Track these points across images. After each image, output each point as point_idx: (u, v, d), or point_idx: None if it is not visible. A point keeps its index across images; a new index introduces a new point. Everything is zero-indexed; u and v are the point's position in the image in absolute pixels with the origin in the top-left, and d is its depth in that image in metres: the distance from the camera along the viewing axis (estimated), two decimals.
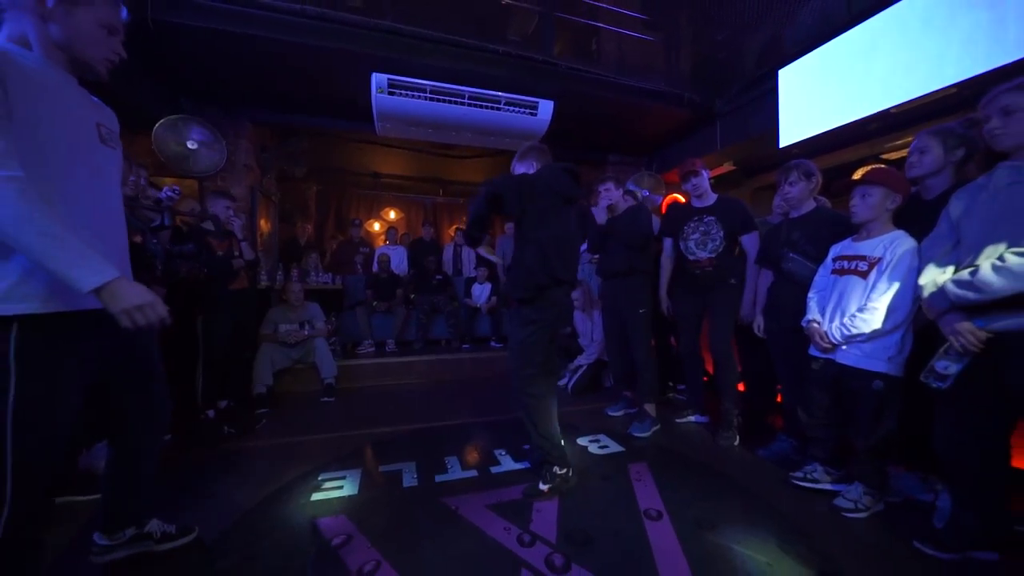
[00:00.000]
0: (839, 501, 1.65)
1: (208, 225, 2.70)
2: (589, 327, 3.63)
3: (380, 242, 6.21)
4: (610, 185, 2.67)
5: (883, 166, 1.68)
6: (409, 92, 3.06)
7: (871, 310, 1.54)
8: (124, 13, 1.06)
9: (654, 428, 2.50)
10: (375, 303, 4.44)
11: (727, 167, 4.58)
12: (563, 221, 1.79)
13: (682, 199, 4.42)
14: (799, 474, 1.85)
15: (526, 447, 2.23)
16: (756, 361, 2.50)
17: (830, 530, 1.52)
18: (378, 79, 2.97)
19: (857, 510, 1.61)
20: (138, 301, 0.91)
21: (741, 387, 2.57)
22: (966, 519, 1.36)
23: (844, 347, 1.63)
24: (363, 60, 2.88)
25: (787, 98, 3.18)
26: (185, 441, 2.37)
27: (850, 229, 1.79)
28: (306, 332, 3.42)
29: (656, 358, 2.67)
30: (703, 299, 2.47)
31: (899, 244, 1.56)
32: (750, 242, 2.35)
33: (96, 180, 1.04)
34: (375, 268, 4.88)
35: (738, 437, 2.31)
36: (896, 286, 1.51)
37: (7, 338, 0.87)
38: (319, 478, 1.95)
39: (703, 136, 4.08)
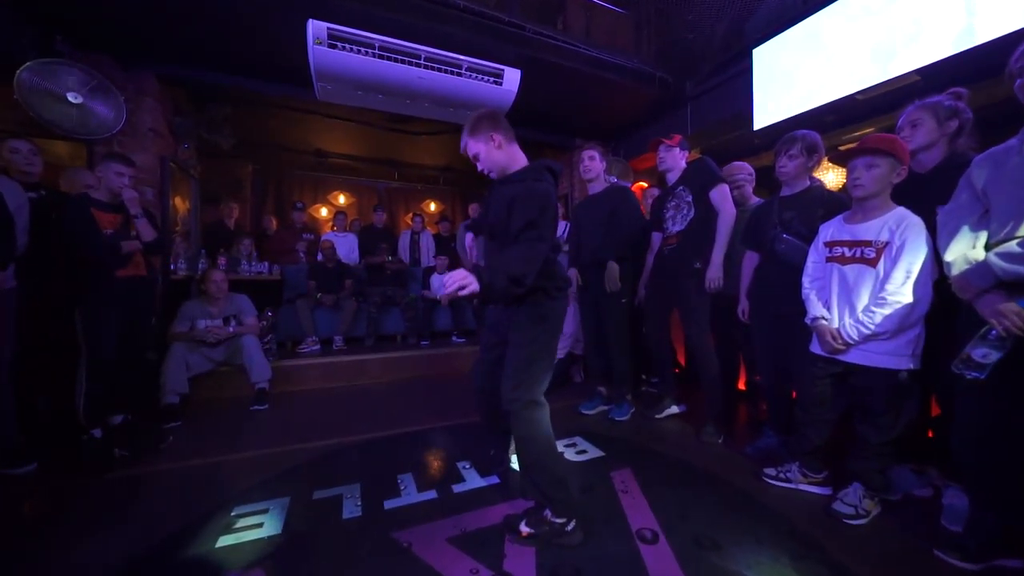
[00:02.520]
0: (837, 506, 1.49)
1: (101, 194, 2.13)
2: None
3: (327, 229, 5.62)
4: (595, 153, 2.45)
5: (886, 134, 1.53)
6: (354, 46, 2.61)
7: (891, 304, 1.36)
8: None
9: (631, 411, 2.45)
10: (319, 295, 3.94)
11: (694, 154, 4.50)
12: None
13: (646, 185, 4.32)
14: (772, 471, 1.72)
15: (492, 452, 1.93)
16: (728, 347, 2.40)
17: (838, 540, 1.35)
18: (316, 27, 2.49)
19: (858, 516, 1.45)
20: None
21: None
22: (988, 523, 1.22)
23: (859, 344, 1.44)
24: (297, 3, 2.40)
25: (761, 78, 3.07)
26: (56, 468, 1.84)
27: (841, 210, 1.64)
28: (231, 329, 2.89)
29: (632, 348, 2.53)
30: (669, 285, 2.31)
31: (908, 225, 1.39)
32: (718, 195, 2.12)
33: None
34: (320, 257, 4.35)
35: (723, 436, 2.14)
36: (915, 275, 1.35)
37: None
38: (232, 513, 1.53)
39: (673, 119, 3.94)
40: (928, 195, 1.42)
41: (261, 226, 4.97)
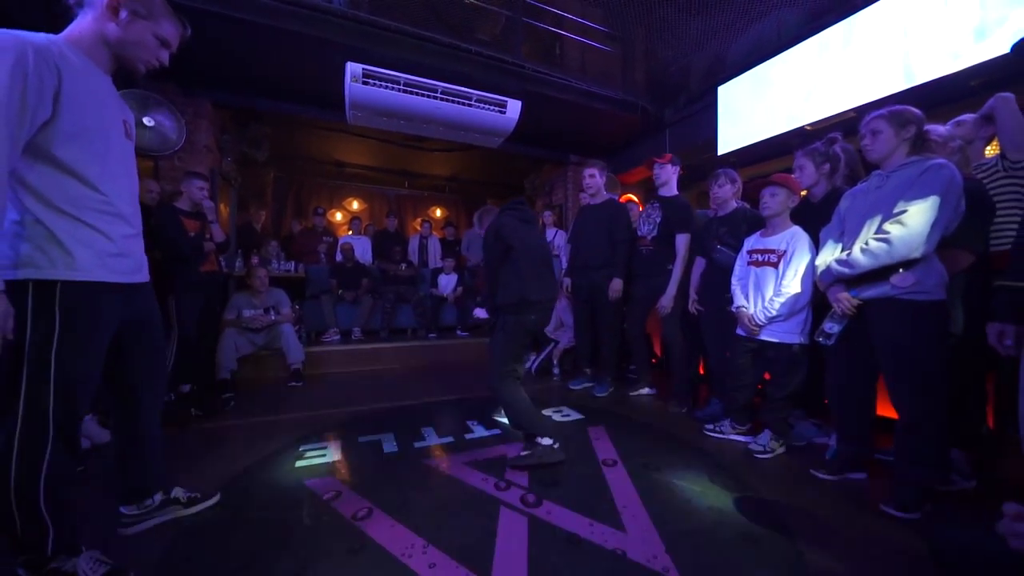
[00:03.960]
0: (752, 446, 2.01)
1: (183, 204, 2.64)
2: (554, 315, 3.89)
3: (342, 232, 6.13)
4: (595, 171, 2.91)
5: (783, 173, 2.07)
6: (383, 83, 3.15)
7: (784, 295, 1.91)
8: (188, 31, 1.23)
9: (610, 389, 2.95)
10: (341, 292, 4.44)
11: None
12: (533, 244, 1.96)
13: (634, 198, 4.86)
14: (710, 426, 2.24)
15: (497, 418, 2.45)
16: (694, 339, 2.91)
17: (747, 467, 1.87)
18: (353, 68, 3.03)
19: (765, 452, 1.97)
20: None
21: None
22: (845, 450, 1.75)
23: (766, 327, 1.98)
24: (339, 49, 2.93)
25: (725, 112, 3.62)
26: None
27: (761, 225, 2.19)
28: (271, 317, 3.39)
29: (619, 339, 3.04)
30: (649, 284, 2.77)
31: (797, 239, 1.96)
32: (679, 241, 2.63)
33: (123, 169, 1.16)
34: (339, 258, 4.86)
35: (687, 407, 2.63)
36: (800, 274, 1.90)
37: (51, 295, 1.02)
38: (300, 449, 2.04)
39: (654, 142, 4.49)
40: (817, 219, 1.95)
41: (286, 228, 5.47)
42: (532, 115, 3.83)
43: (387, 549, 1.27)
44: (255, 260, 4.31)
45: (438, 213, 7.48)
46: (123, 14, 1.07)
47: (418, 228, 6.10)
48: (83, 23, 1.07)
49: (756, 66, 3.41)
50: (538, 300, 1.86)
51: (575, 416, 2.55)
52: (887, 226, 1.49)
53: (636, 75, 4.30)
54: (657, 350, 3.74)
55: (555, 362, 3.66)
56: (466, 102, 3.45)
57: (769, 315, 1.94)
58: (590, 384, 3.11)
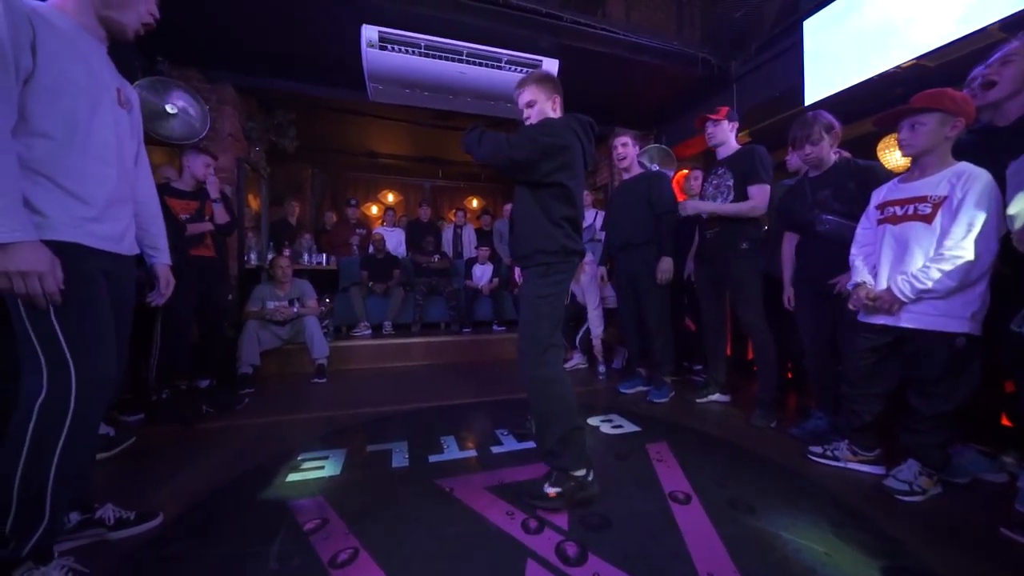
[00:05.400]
0: (890, 482, 1.42)
1: (181, 184, 2.47)
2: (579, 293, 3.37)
3: (378, 225, 5.99)
4: (627, 139, 2.49)
5: (931, 90, 1.41)
6: (402, 47, 2.82)
7: (949, 259, 1.28)
8: None
9: (671, 394, 2.44)
10: (371, 284, 4.23)
11: (741, 139, 4.31)
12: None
13: (685, 172, 4.20)
14: (818, 449, 1.66)
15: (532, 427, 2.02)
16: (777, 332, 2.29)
17: (888, 514, 1.29)
18: (368, 32, 2.72)
19: (913, 492, 1.37)
20: (27, 267, 0.86)
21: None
22: None
23: (911, 306, 1.37)
24: (351, 9, 2.63)
25: (812, 51, 2.91)
26: (152, 420, 2.17)
27: (878, 177, 1.59)
28: (295, 309, 3.21)
29: (672, 329, 2.51)
30: (716, 268, 2.24)
31: (972, 178, 1.30)
32: (756, 192, 2.04)
33: (113, 135, 1.08)
34: (371, 249, 4.67)
35: (775, 421, 2.06)
36: (977, 228, 1.26)
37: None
38: (299, 458, 1.74)
39: (718, 102, 3.80)
40: (1013, 149, 1.27)
41: (321, 221, 5.40)
42: (570, 78, 3.30)
43: None
44: (287, 252, 4.22)
45: (475, 204, 7.17)
46: None
47: (453, 219, 5.82)
48: None
49: None
50: (579, 250, 1.43)
51: (630, 427, 2.05)
52: None
53: (694, 22, 3.66)
54: (727, 348, 3.13)
55: (600, 359, 3.16)
56: (496, 64, 3.04)
57: (919, 286, 1.32)
58: (645, 388, 2.59)
